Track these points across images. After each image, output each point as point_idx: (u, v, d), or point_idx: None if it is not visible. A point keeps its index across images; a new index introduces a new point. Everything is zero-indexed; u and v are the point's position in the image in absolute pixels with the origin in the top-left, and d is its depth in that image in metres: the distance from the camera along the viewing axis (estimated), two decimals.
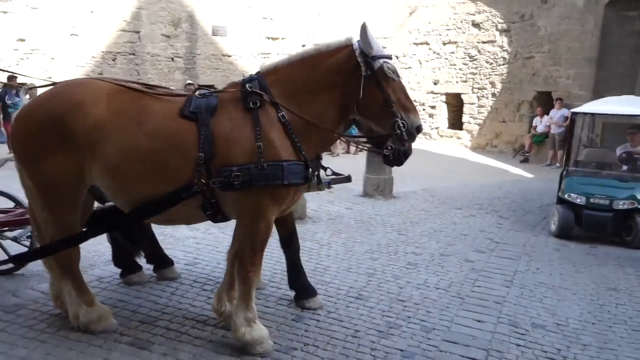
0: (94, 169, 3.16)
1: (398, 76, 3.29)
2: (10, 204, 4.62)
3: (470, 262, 5.56)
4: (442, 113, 17.51)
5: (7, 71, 4.46)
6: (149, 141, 3.09)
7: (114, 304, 3.93)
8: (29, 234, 4.21)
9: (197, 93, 3.28)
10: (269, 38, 19.52)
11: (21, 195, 4.40)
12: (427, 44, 17.45)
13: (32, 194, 3.35)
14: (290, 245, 4.11)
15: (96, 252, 5.04)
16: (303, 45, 19.28)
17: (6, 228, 4.18)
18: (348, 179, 4.10)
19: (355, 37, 3.30)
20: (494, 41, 15.86)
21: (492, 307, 4.34)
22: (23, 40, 15.81)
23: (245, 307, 3.27)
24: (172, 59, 19.14)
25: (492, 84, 15.94)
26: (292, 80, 3.27)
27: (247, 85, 3.20)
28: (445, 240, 6.42)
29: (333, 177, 3.73)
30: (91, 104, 3.13)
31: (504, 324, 4.03)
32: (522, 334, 3.88)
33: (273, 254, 4.99)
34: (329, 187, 3.82)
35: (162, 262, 4.51)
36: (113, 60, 17.85)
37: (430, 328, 3.85)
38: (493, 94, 15.92)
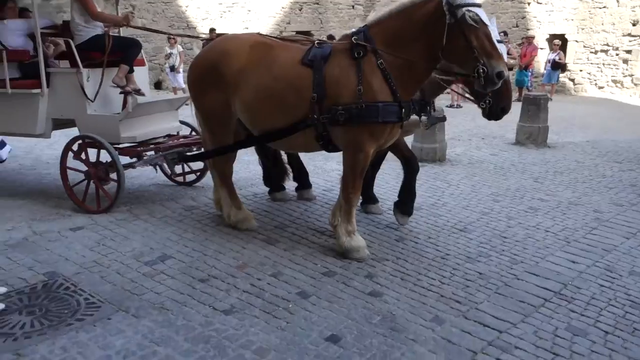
0: (236, 104, 4.13)
1: (484, 23, 3.51)
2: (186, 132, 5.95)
3: (599, 212, 5.51)
4: None
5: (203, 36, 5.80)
6: (275, 83, 3.92)
7: (259, 212, 5.06)
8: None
9: (316, 43, 4.01)
10: None
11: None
12: None
13: (200, 121, 4.60)
14: (408, 165, 4.73)
15: (260, 176, 6.27)
16: None
17: (186, 148, 5.42)
18: (443, 118, 4.56)
19: None
20: None
21: (596, 253, 4.44)
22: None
23: (347, 221, 4.05)
24: (353, 6, 20.04)
25: None
26: (391, 31, 3.76)
27: (353, 38, 3.81)
28: (584, 191, 6.33)
29: (430, 116, 4.24)
30: (236, 54, 4.09)
31: (599, 267, 4.15)
32: (613, 278, 3.99)
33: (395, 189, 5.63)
34: (426, 127, 4.35)
35: (303, 184, 5.51)
36: (300, 10, 19.40)
37: (519, 261, 4.20)
38: None
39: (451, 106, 13.11)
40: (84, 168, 5.07)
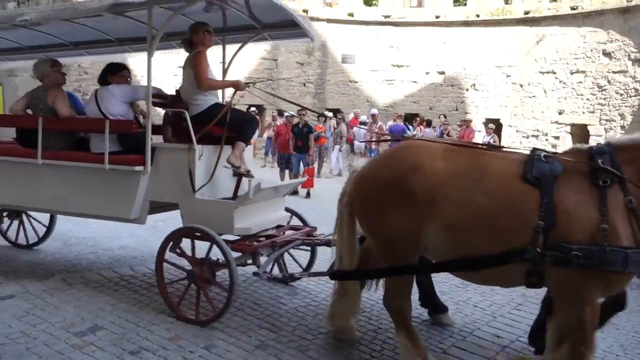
0: (431, 226, 3.29)
1: None
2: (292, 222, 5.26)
3: (525, 289, 5.79)
4: (566, 144, 16.83)
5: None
6: (487, 200, 3.16)
7: None
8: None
9: (542, 155, 3.26)
10: (394, 65, 20.42)
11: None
12: (553, 72, 17.04)
13: (345, 230, 3.81)
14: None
15: None
16: (427, 73, 19.86)
17: (297, 243, 4.71)
18: None
19: None
20: (626, 71, 15.06)
21: (520, 328, 4.64)
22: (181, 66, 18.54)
23: None
24: (304, 84, 20.91)
25: (622, 116, 15.10)
26: None
27: (599, 160, 3.10)
28: None
29: None
30: (430, 165, 3.31)
31: (522, 342, 4.35)
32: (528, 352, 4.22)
33: None
34: None
35: (435, 307, 4.64)
36: (253, 84, 20.05)
37: (447, 335, 4.35)
38: (622, 127, 15.05)
39: None
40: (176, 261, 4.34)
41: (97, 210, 4.65)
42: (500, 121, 18.28)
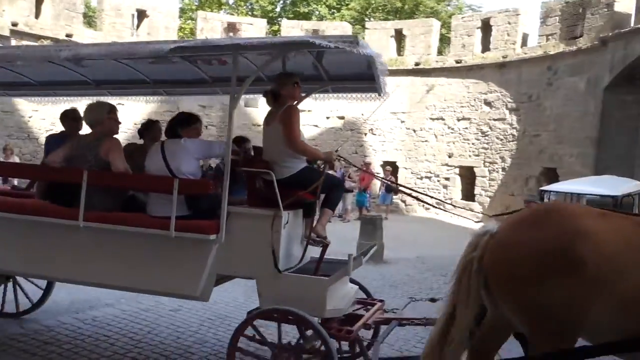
0: (600, 304, 2.85)
1: None
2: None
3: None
4: (456, 185, 18.22)
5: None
6: None
7: (98, 337, 4.77)
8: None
9: None
10: None
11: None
12: (442, 119, 18.49)
13: (471, 304, 3.10)
14: None
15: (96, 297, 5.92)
16: (327, 118, 20.57)
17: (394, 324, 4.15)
18: None
19: None
20: (504, 119, 16.73)
21: None
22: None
23: None
24: (206, 127, 20.71)
25: (502, 158, 16.66)
26: None
27: None
28: (415, 302, 6.99)
29: None
30: (601, 233, 2.87)
31: None
32: None
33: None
34: None
35: None
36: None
37: None
38: (503, 169, 16.58)
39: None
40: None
41: (154, 285, 3.85)
42: (397, 163, 19.33)
